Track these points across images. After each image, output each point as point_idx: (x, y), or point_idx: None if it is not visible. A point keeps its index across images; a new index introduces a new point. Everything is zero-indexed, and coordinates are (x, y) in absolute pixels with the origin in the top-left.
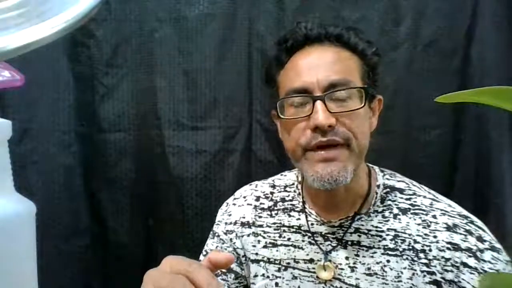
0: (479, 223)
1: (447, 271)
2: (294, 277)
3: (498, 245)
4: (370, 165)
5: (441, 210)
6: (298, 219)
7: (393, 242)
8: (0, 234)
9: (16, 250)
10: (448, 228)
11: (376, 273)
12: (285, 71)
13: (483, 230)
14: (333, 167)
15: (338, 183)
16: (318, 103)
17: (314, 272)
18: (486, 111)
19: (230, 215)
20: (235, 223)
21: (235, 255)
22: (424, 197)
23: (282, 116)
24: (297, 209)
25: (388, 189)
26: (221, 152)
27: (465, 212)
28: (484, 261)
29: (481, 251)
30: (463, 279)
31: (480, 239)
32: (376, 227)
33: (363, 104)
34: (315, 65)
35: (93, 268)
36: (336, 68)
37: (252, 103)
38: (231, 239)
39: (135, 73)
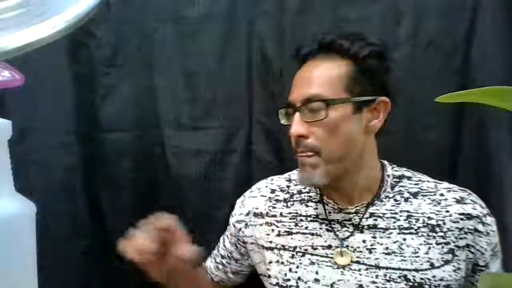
0: (474, 194)
1: (461, 238)
2: (312, 263)
3: (489, 210)
4: (382, 160)
5: (446, 188)
6: (316, 208)
7: (407, 221)
8: (0, 234)
9: (16, 250)
10: (458, 201)
11: (394, 252)
12: None
13: (480, 199)
14: (305, 172)
15: (312, 184)
16: (296, 115)
17: (332, 258)
18: (486, 111)
19: (243, 206)
20: (248, 213)
21: (239, 245)
22: (428, 181)
23: (283, 123)
24: (315, 199)
25: (397, 178)
26: (221, 152)
27: (462, 188)
28: (488, 224)
29: (485, 216)
30: (477, 243)
31: (481, 206)
32: (390, 210)
33: (324, 116)
34: (299, 81)
35: (93, 268)
36: (312, 82)
37: (252, 103)
38: (240, 229)
39: (135, 73)
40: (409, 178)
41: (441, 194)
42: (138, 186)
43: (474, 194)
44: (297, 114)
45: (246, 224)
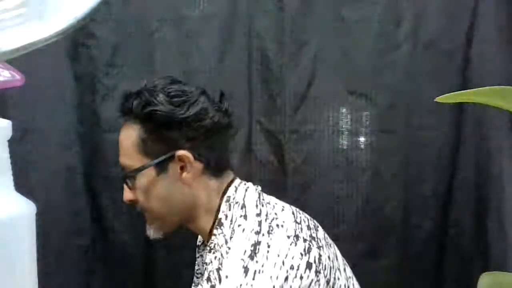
0: (224, 274)
1: None
2: None
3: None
4: (230, 193)
5: (220, 253)
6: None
7: (204, 273)
8: (0, 234)
9: (17, 249)
10: (210, 272)
11: None
12: None
13: (216, 280)
14: (147, 228)
15: (152, 238)
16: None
17: None
18: (485, 111)
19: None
20: (197, 246)
21: None
22: (224, 235)
23: None
24: None
25: (217, 223)
26: None
27: (231, 262)
28: None
29: None
30: None
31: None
32: (204, 258)
33: (132, 185)
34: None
35: (93, 268)
36: (120, 152)
37: (252, 103)
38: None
39: (135, 73)
40: (221, 225)
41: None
42: None
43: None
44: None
45: (198, 257)
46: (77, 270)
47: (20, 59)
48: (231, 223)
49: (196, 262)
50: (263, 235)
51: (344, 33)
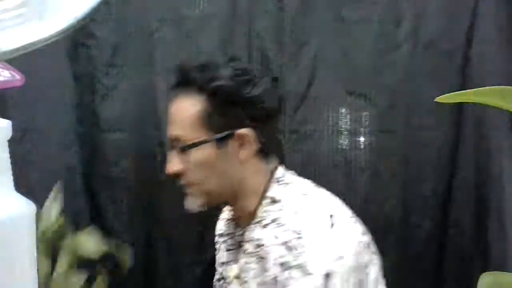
0: (309, 239)
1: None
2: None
3: (310, 267)
4: (279, 175)
5: (289, 226)
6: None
7: (258, 249)
8: (0, 234)
9: (16, 250)
10: (283, 244)
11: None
12: None
13: (303, 246)
14: (187, 200)
15: (191, 211)
16: (169, 153)
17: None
18: (485, 111)
19: (216, 230)
20: (216, 235)
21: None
22: (286, 210)
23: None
24: (229, 218)
25: (270, 201)
26: None
27: (306, 226)
28: (291, 277)
29: (290, 267)
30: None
31: (295, 256)
32: (252, 236)
33: (188, 158)
34: (168, 118)
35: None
36: (174, 123)
37: None
38: (215, 248)
39: (135, 73)
40: (276, 201)
41: (285, 229)
42: (138, 186)
43: (307, 239)
44: (170, 152)
45: (218, 244)
46: None
47: (20, 59)
48: (290, 200)
49: (217, 255)
50: (333, 209)
51: (344, 33)
